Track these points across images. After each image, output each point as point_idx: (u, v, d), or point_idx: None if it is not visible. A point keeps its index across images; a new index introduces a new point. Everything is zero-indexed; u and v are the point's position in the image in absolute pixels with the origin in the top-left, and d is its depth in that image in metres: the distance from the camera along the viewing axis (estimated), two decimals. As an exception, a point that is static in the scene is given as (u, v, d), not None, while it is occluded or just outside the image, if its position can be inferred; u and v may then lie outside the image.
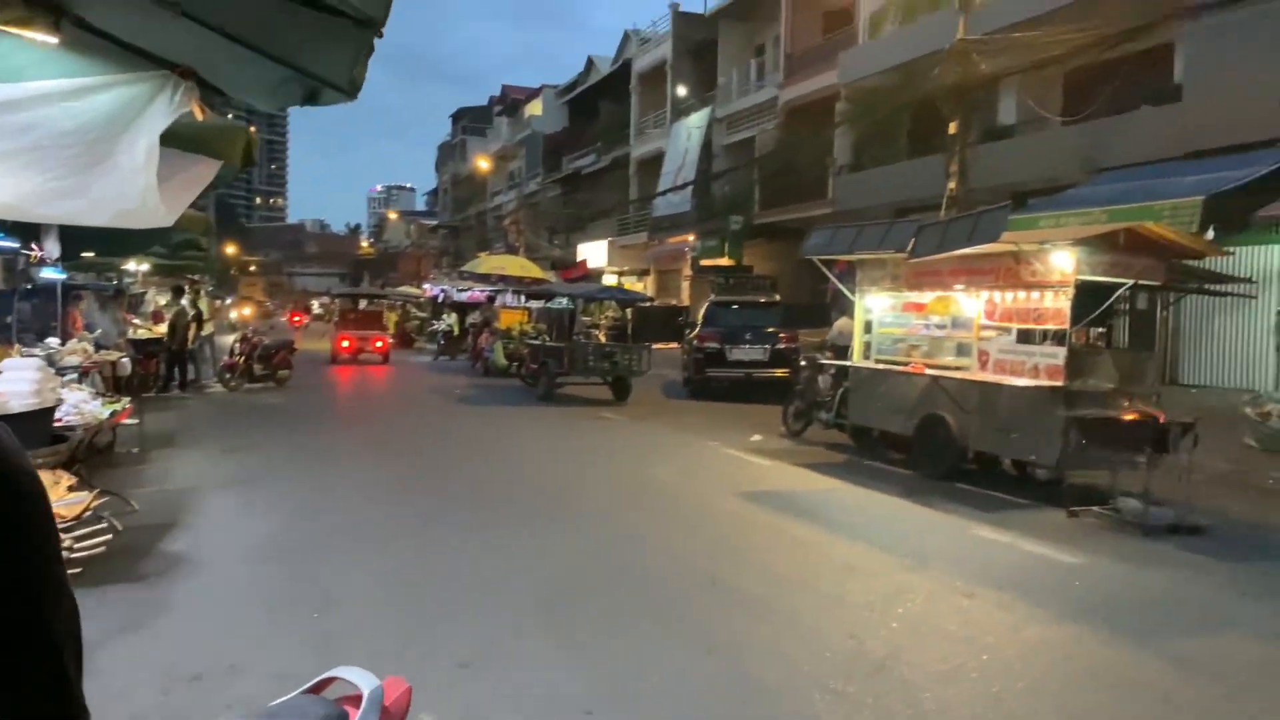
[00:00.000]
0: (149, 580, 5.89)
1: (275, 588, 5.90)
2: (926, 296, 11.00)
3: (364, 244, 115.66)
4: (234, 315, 40.64)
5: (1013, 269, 9.46)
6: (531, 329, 23.85)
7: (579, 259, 40.95)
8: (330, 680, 1.29)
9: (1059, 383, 8.85)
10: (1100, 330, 10.42)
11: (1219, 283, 10.79)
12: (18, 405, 6.20)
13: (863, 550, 7.10)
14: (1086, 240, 8.89)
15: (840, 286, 12.79)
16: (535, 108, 56.19)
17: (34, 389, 6.31)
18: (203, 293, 19.80)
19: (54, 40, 2.93)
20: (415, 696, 1.43)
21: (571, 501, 8.81)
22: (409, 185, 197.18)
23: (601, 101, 44.75)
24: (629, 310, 21.92)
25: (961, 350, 10.61)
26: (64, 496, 5.65)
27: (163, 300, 22.19)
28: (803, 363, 14.76)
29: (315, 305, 72.26)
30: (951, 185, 16.69)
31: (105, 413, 7.66)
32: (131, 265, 16.85)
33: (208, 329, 19.11)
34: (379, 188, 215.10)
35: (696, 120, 33.63)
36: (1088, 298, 8.90)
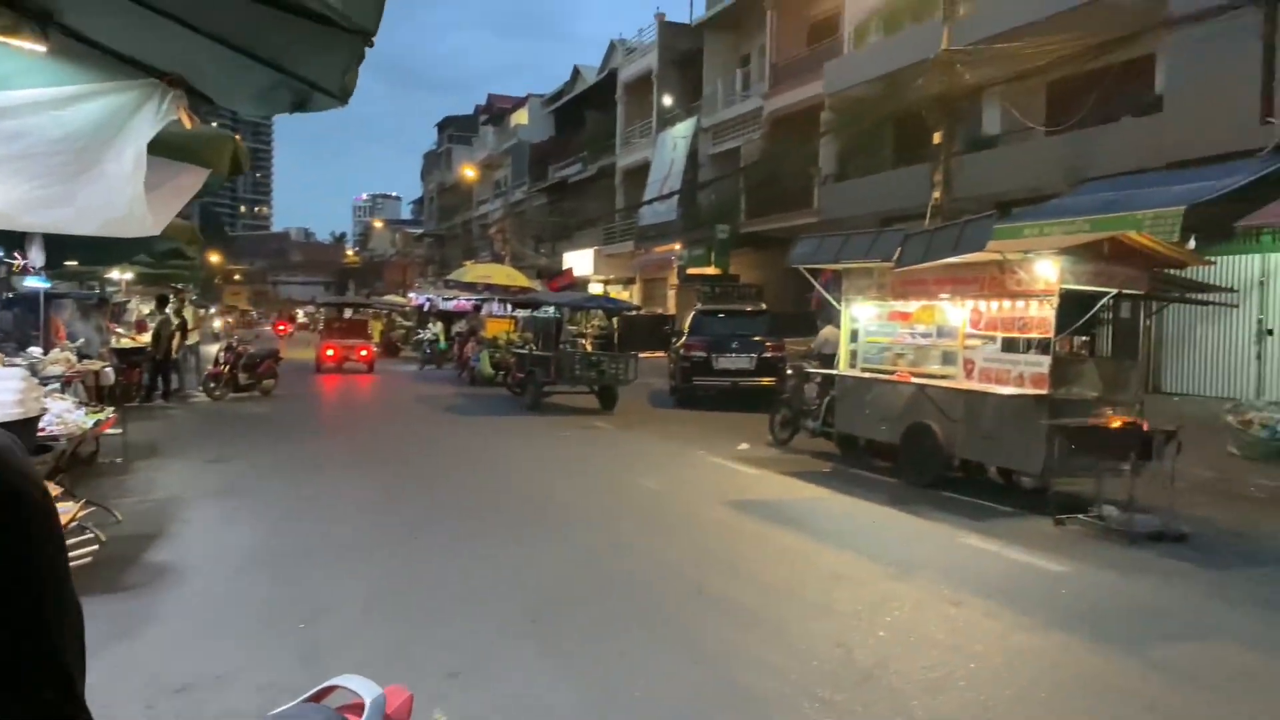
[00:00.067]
0: (134, 591, 5.84)
1: (262, 598, 5.86)
2: (912, 305, 11.05)
3: (349, 253, 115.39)
4: (217, 324, 40.47)
5: (998, 278, 9.52)
6: (518, 338, 23.81)
7: (565, 268, 40.94)
8: (331, 689, 1.28)
9: (1044, 391, 8.90)
10: (1084, 339, 10.49)
11: (1201, 292, 10.88)
12: (1, 415, 6.15)
13: (850, 559, 7.12)
14: (1071, 249, 8.96)
15: (826, 295, 12.83)
16: (521, 117, 56.27)
17: (18, 399, 6.26)
18: (187, 302, 19.69)
19: (41, 48, 2.92)
20: None
21: (559, 511, 8.80)
22: (394, 194, 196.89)
23: (587, 111, 44.82)
24: (615, 319, 21.91)
25: (947, 359, 10.66)
26: (47, 507, 5.59)
27: (146, 309, 22.07)
28: (789, 371, 14.79)
29: (300, 314, 72.07)
30: (936, 195, 16.80)
31: (89, 423, 7.61)
32: (115, 274, 16.76)
33: (192, 338, 19.00)
34: (364, 196, 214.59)
35: (682, 130, 33.73)
36: (1072, 306, 8.96)
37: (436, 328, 32.08)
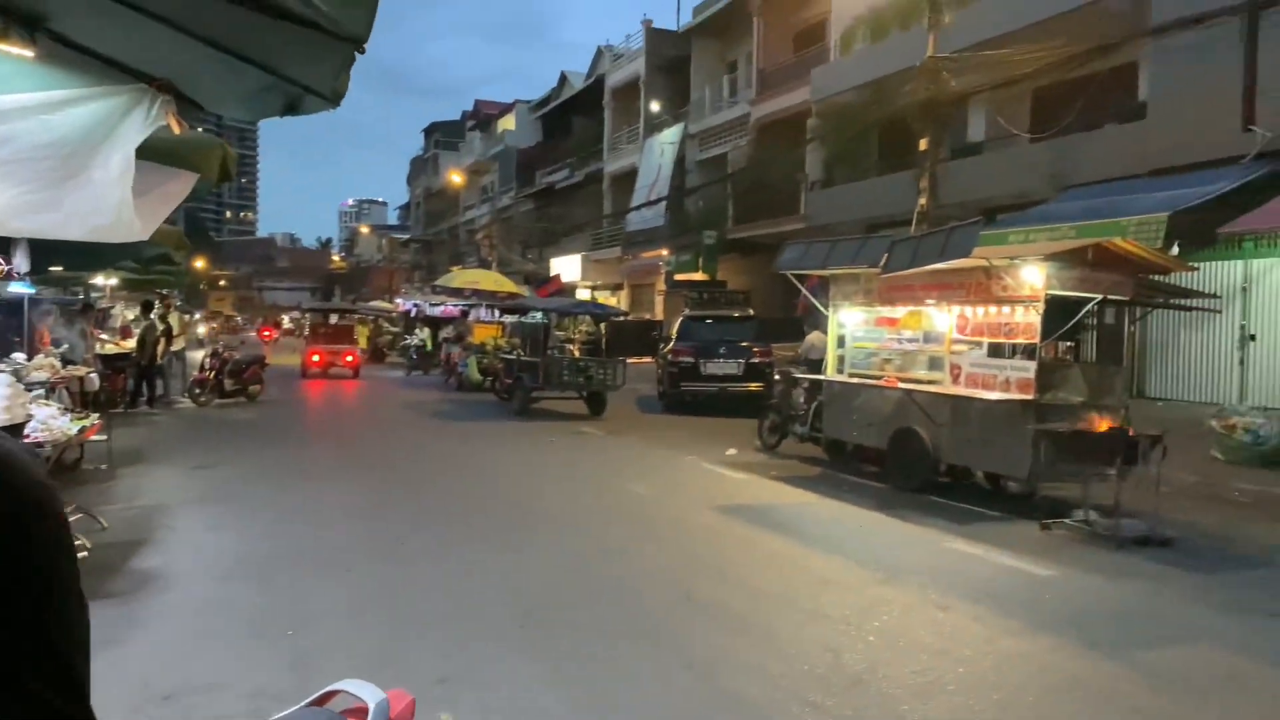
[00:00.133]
0: (120, 598, 5.80)
1: (249, 605, 5.83)
2: (899, 311, 11.09)
3: (335, 258, 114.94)
4: (201, 330, 40.27)
5: (984, 284, 9.57)
6: (505, 344, 23.79)
7: (553, 274, 40.93)
8: (333, 693, 1.28)
9: (1029, 396, 8.95)
10: (1068, 344, 10.55)
11: (1185, 298, 10.97)
12: (-15, 421, 6.11)
13: (838, 563, 7.13)
14: (1056, 255, 9.01)
15: (813, 301, 12.88)
16: (508, 122, 56.25)
17: (3, 405, 6.21)
18: (173, 308, 19.58)
19: (30, 53, 2.91)
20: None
21: (548, 516, 8.79)
22: (381, 199, 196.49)
23: (575, 117, 44.86)
24: (603, 325, 21.93)
25: (934, 364, 10.70)
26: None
27: (130, 315, 21.93)
28: (777, 376, 14.83)
29: (286, 320, 71.78)
30: (922, 201, 16.89)
31: (74, 429, 7.55)
32: (99, 279, 16.64)
33: (178, 344, 18.89)
34: (350, 202, 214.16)
35: (670, 136, 33.80)
36: (1057, 312, 9.02)
37: (424, 333, 32.00)
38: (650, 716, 4.33)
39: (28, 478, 0.65)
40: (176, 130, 3.27)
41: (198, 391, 17.91)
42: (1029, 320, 9.08)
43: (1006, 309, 9.42)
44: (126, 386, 16.47)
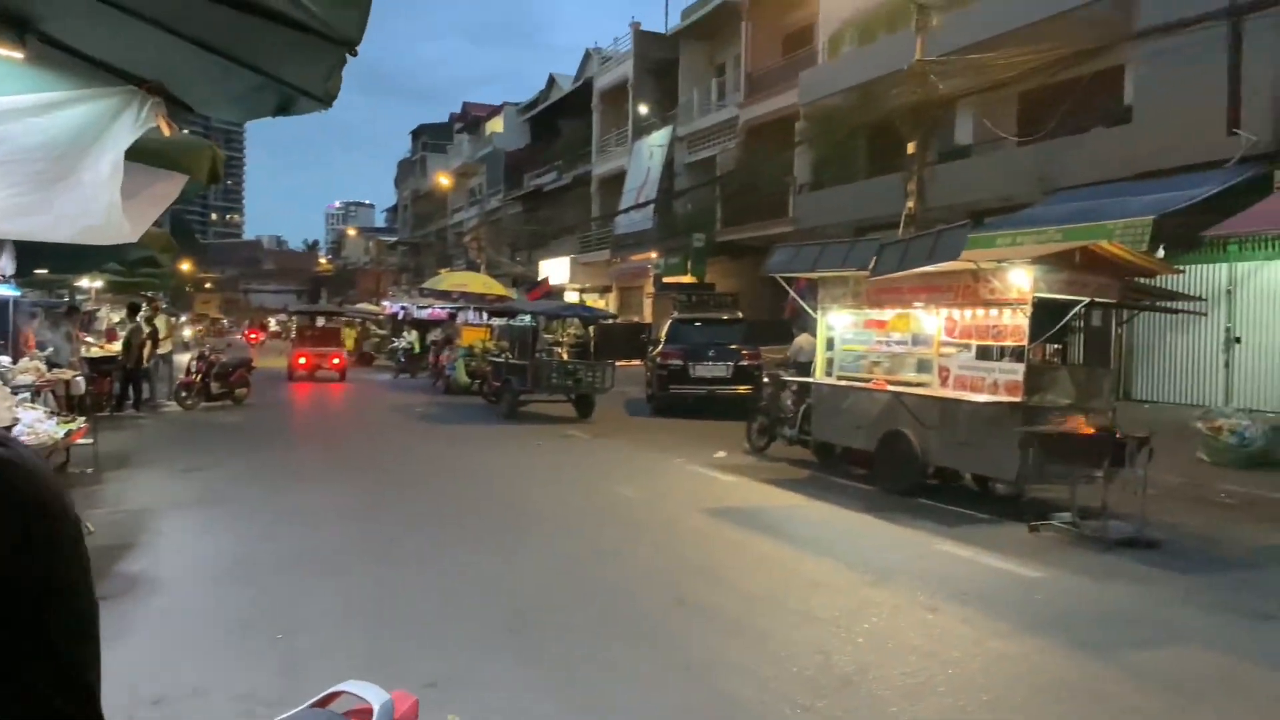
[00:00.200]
0: (107, 602, 5.76)
1: (238, 609, 5.80)
2: (888, 314, 11.13)
3: (322, 260, 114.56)
4: (187, 333, 40.05)
5: (972, 287, 9.61)
6: (494, 346, 23.75)
7: (541, 276, 40.90)
8: (336, 694, 1.28)
9: (1018, 398, 8.99)
10: (1055, 347, 10.60)
11: (1171, 300, 11.04)
12: (-30, 425, 6.06)
13: (828, 566, 7.15)
14: (1044, 258, 9.06)
15: (802, 303, 12.91)
16: (496, 125, 56.20)
17: (-12, 408, 6.17)
18: (160, 311, 19.47)
19: (19, 55, 2.89)
20: None
21: (538, 519, 8.78)
22: (368, 202, 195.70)
23: (563, 119, 44.85)
24: (591, 327, 21.92)
25: (922, 367, 10.74)
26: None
27: (116, 317, 21.82)
28: (765, 379, 14.85)
29: (272, 323, 71.48)
30: (910, 204, 16.94)
31: (60, 432, 7.51)
32: (85, 282, 16.54)
33: (165, 347, 18.79)
34: (337, 204, 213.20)
35: (658, 139, 33.82)
36: (1045, 315, 9.06)
37: (411, 336, 31.93)
38: (643, 719, 4.33)
39: (52, 489, 0.65)
40: (166, 132, 3.26)
41: (184, 395, 17.82)
42: (1017, 323, 9.12)
43: (995, 311, 9.46)
44: (112, 390, 16.37)
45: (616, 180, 37.19)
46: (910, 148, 17.00)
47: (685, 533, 8.29)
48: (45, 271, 11.44)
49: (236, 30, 2.63)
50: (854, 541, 8.15)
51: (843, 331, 11.99)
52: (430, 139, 74.10)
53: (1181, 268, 12.05)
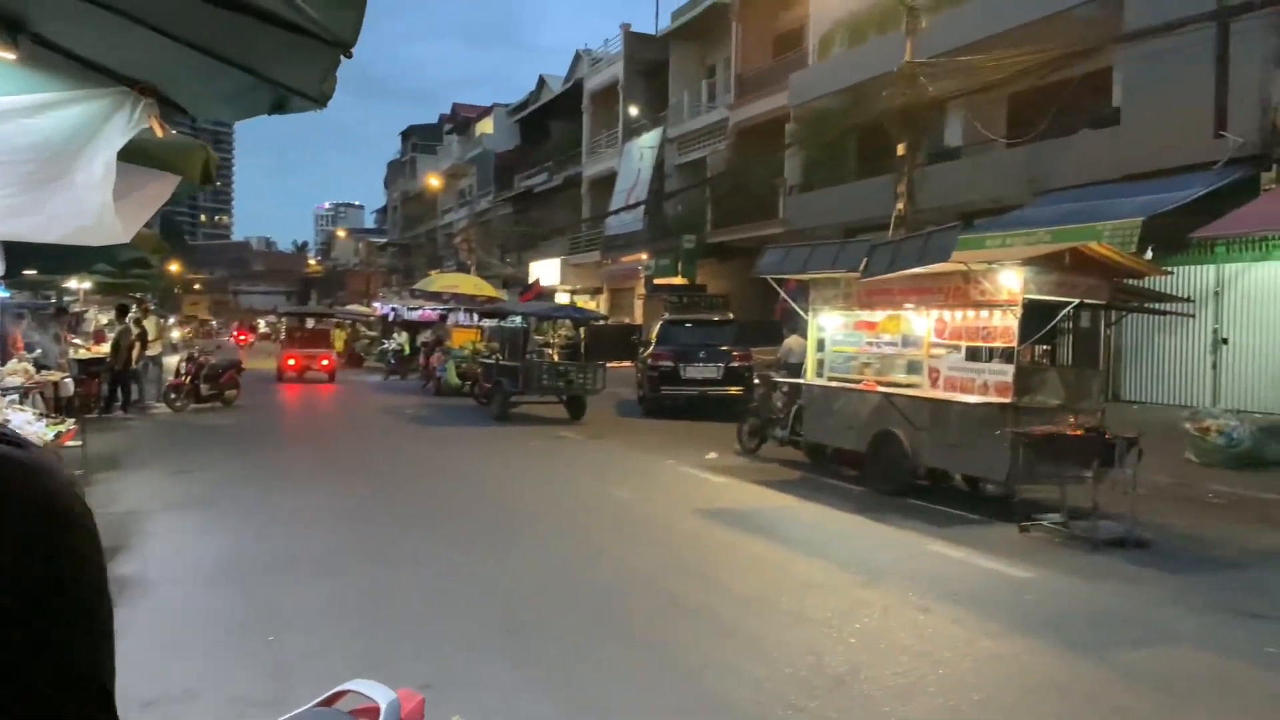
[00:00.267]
0: (97, 606, 5.73)
1: (229, 611, 5.79)
2: (878, 315, 11.16)
3: (311, 262, 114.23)
4: (175, 335, 39.89)
5: (962, 288, 9.64)
6: (484, 348, 23.72)
7: (532, 278, 40.87)
8: (343, 693, 1.28)
9: (1007, 399, 9.02)
10: (1044, 348, 10.65)
11: (1159, 302, 11.10)
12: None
13: (820, 566, 7.16)
14: (1033, 260, 9.10)
15: (792, 304, 12.93)
16: (486, 126, 56.12)
17: (-24, 410, 6.13)
18: (150, 312, 19.39)
19: (11, 56, 2.88)
20: None
21: (530, 521, 8.77)
22: (357, 203, 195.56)
23: (553, 121, 44.82)
24: (582, 329, 21.90)
25: (912, 368, 10.77)
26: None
27: (104, 319, 21.71)
28: (756, 380, 14.87)
29: (261, 324, 71.21)
30: (900, 206, 16.98)
31: (50, 434, 7.47)
32: (73, 283, 16.46)
33: (155, 349, 18.70)
34: (327, 205, 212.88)
35: (648, 140, 33.85)
36: (1034, 316, 9.10)
37: (402, 338, 31.87)
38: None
39: (70, 492, 0.65)
40: (159, 133, 3.25)
41: (173, 396, 17.74)
42: (1007, 324, 9.16)
43: (984, 313, 9.50)
44: (101, 392, 16.28)
45: (607, 182, 37.20)
46: (900, 149, 17.05)
47: (678, 534, 8.30)
48: (34, 272, 11.38)
49: (231, 32, 2.63)
50: (845, 542, 8.17)
51: (833, 333, 12.02)
52: (420, 140, 74.00)
53: (1170, 269, 12.12)
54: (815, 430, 11.79)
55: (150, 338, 17.90)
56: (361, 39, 2.53)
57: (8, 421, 6.90)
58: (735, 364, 18.37)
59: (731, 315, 20.19)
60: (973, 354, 9.97)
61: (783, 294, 13.30)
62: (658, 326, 20.09)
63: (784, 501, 9.97)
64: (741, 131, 29.16)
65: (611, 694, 4.61)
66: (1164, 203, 13.79)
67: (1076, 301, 9.31)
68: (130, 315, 17.16)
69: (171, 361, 20.39)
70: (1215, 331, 14.55)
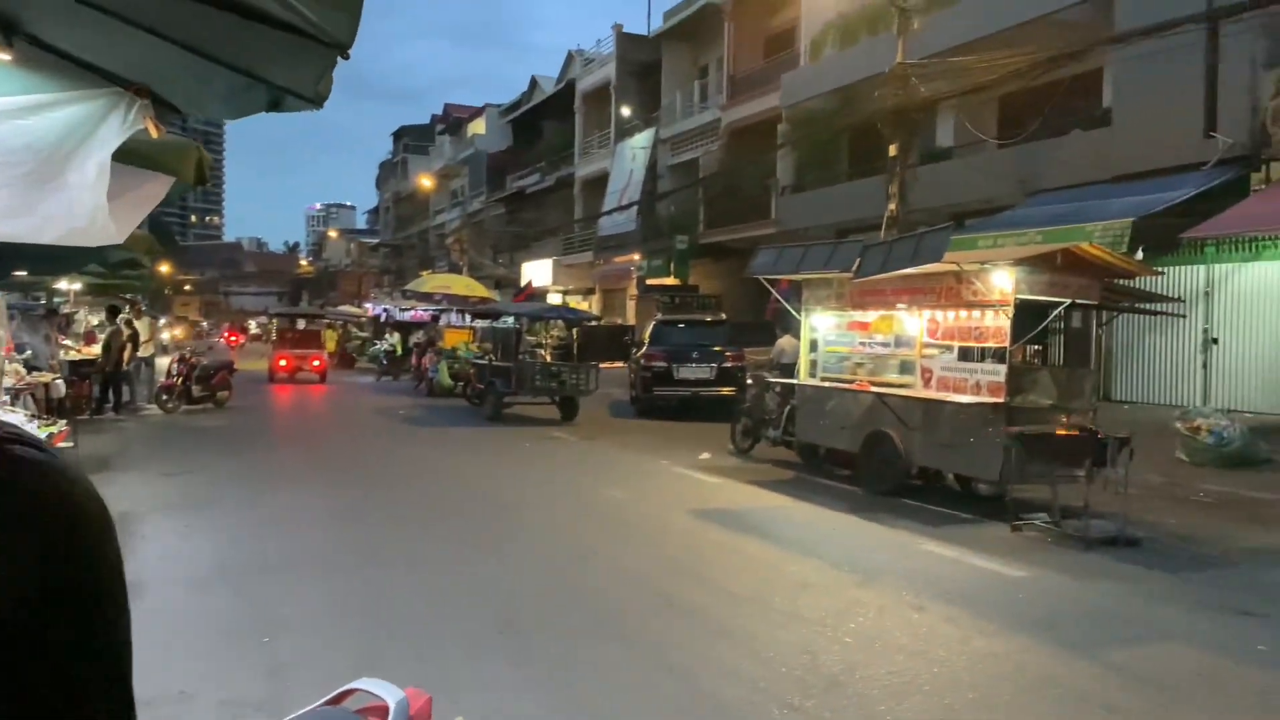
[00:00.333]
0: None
1: (222, 613, 5.78)
2: (871, 315, 11.18)
3: (303, 262, 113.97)
4: (166, 336, 39.75)
5: (954, 288, 9.67)
6: (477, 349, 23.71)
7: (524, 279, 40.85)
8: (350, 692, 1.28)
9: (1000, 399, 9.05)
10: (1036, 348, 10.68)
11: (1150, 302, 11.15)
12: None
13: (814, 566, 7.18)
14: (1025, 260, 9.14)
15: (785, 304, 12.95)
16: (478, 126, 56.07)
17: (-33, 412, 6.11)
18: (142, 313, 19.32)
19: (6, 57, 2.88)
20: None
21: (524, 521, 8.77)
22: (349, 203, 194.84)
23: (545, 121, 44.80)
24: (575, 329, 21.90)
25: (905, 368, 10.80)
26: None
27: (94, 320, 21.62)
28: (749, 381, 14.89)
29: (253, 325, 71.00)
30: (892, 206, 17.02)
31: (41, 436, 7.44)
32: (63, 284, 16.38)
33: (148, 350, 18.65)
34: (318, 206, 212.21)
35: (641, 141, 33.85)
36: (1026, 316, 9.13)
37: (394, 338, 31.83)
38: (630, 720, 4.35)
39: (90, 494, 0.65)
40: (154, 134, 3.25)
41: (165, 398, 17.67)
42: (999, 324, 9.19)
43: (977, 313, 9.53)
44: (92, 393, 16.22)
45: (599, 182, 37.19)
46: (892, 150, 17.09)
47: (672, 534, 8.31)
48: (24, 273, 11.33)
49: (227, 33, 2.63)
50: (839, 542, 8.19)
51: (826, 333, 12.04)
52: (411, 140, 73.86)
53: (1160, 269, 12.18)
54: (808, 430, 11.81)
55: (142, 339, 17.85)
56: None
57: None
58: (728, 364, 18.38)
59: (724, 316, 20.21)
60: (965, 354, 10.00)
61: (775, 294, 13.33)
62: (650, 327, 20.09)
63: (777, 502, 9.99)
64: (734, 132, 29.19)
65: (606, 694, 4.61)
66: (1154, 203, 13.86)
67: (1068, 302, 9.35)
68: (121, 316, 17.10)
69: (163, 363, 20.33)
70: (1205, 332, 14.62)
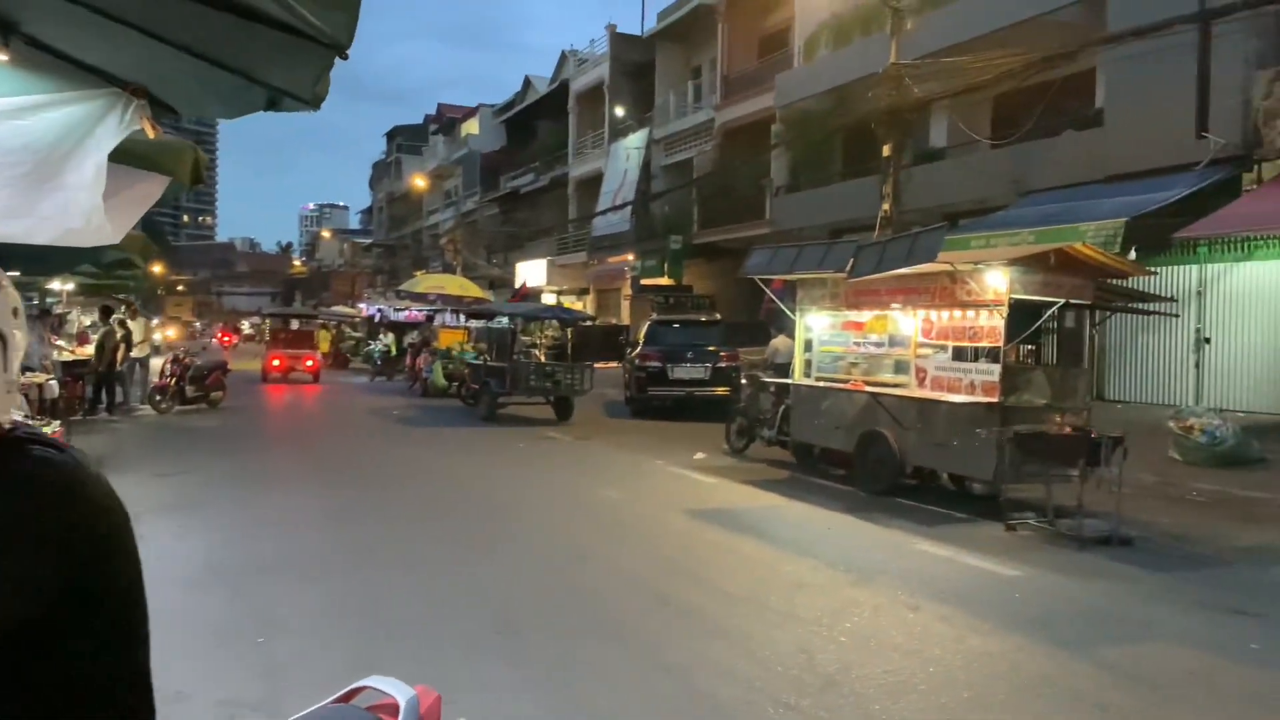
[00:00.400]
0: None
1: (217, 614, 5.76)
2: (865, 315, 11.21)
3: (296, 263, 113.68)
4: (158, 337, 39.64)
5: (948, 288, 9.70)
6: (471, 349, 23.70)
7: (518, 279, 40.82)
8: (359, 690, 1.28)
9: (994, 399, 9.08)
10: (1029, 348, 10.71)
11: (1143, 301, 11.19)
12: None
13: (810, 566, 7.19)
14: (1019, 260, 9.16)
15: (780, 304, 12.97)
16: (472, 126, 55.99)
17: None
18: (137, 314, 19.26)
19: (4, 57, 2.87)
20: None
21: (519, 521, 8.77)
22: (342, 203, 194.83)
23: (539, 121, 44.76)
24: (569, 329, 21.90)
25: (900, 368, 10.82)
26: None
27: (87, 320, 21.55)
28: (744, 381, 14.91)
29: (246, 325, 70.85)
30: (885, 206, 17.05)
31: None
32: (56, 284, 16.35)
33: (143, 350, 18.60)
34: (311, 206, 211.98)
35: (635, 141, 33.85)
36: (1020, 316, 9.16)
37: (388, 339, 31.80)
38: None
39: (111, 494, 0.66)
40: (151, 135, 3.25)
41: (159, 398, 17.62)
42: (993, 324, 9.22)
43: (971, 313, 9.56)
44: (85, 393, 16.16)
45: (593, 182, 37.19)
46: (885, 150, 17.11)
47: (668, 534, 8.32)
48: (16, 274, 11.30)
49: (224, 34, 2.62)
50: (835, 542, 8.21)
51: (821, 333, 12.06)
52: (405, 141, 73.76)
53: (1153, 269, 12.22)
54: (803, 430, 11.83)
55: (136, 339, 17.80)
56: (348, 39, 2.49)
57: None
58: (722, 364, 18.41)
59: (718, 315, 20.22)
60: (959, 354, 10.03)
61: (769, 294, 13.34)
62: (645, 327, 20.10)
63: (773, 501, 10.00)
64: (728, 132, 29.21)
65: (602, 694, 4.62)
66: (1147, 203, 13.90)
67: (1062, 301, 9.38)
68: (115, 317, 17.06)
69: (158, 363, 20.27)
70: (1198, 331, 14.68)
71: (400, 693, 1.24)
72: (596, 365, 19.70)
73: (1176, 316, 13.19)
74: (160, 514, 8.67)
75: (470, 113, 58.10)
